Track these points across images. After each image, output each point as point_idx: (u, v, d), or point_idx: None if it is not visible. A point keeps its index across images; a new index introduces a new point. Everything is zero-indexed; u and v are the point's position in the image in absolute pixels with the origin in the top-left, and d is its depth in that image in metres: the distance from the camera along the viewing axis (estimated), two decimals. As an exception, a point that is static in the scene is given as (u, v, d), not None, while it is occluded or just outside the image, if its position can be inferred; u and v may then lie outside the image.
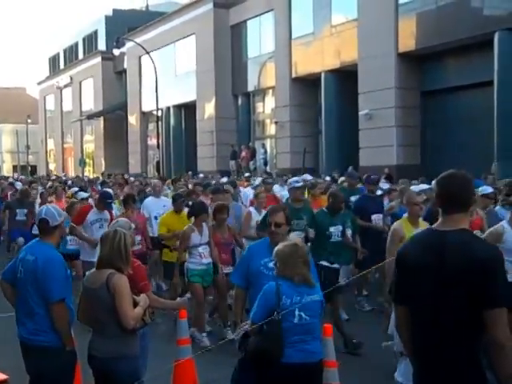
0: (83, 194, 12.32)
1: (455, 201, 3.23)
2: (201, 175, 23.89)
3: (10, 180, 25.22)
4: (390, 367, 6.82)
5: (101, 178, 30.33)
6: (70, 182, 20.94)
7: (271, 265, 5.11)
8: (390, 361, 7.10)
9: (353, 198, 10.62)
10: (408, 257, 3.31)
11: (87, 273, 4.85)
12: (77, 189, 14.65)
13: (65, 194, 14.73)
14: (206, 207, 8.70)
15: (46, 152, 60.44)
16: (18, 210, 13.65)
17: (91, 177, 35.06)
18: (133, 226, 5.85)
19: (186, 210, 9.72)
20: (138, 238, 9.38)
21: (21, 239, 12.61)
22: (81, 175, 36.39)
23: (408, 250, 3.37)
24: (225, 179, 18.62)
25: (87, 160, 49.23)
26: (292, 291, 4.37)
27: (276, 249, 4.60)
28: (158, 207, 11.16)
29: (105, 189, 13.52)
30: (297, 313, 4.34)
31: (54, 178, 29.99)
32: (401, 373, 4.17)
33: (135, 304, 4.55)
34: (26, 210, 13.51)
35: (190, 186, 14.90)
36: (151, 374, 5.24)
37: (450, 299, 3.09)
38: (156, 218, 10.80)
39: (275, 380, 4.37)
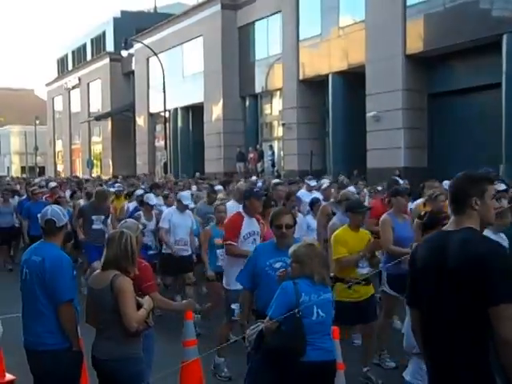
0: (153, 198, 10.92)
1: (455, 201, 3.29)
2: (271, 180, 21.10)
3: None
4: (395, 369, 6.83)
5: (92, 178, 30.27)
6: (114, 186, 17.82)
7: (277, 265, 5.14)
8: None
9: None
10: (417, 259, 3.35)
11: (93, 273, 4.84)
12: (141, 191, 12.74)
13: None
14: (444, 215, 5.93)
15: (54, 153, 60.66)
16: (93, 217, 10.95)
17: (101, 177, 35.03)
18: (141, 227, 5.82)
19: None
20: None
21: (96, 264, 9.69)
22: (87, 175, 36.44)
23: (417, 252, 3.39)
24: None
25: (95, 161, 49.36)
26: (310, 289, 4.45)
27: (293, 249, 4.64)
28: None
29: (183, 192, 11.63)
30: (315, 310, 4.40)
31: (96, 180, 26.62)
32: (409, 371, 4.19)
33: (139, 306, 4.55)
34: (103, 217, 10.96)
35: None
36: (158, 375, 5.25)
37: (454, 299, 3.09)
38: None
39: (295, 378, 4.40)
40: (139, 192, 12.72)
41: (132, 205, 12.66)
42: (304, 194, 11.90)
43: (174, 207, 10.32)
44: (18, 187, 20.05)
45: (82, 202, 13.61)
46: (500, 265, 3.02)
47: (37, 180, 26.13)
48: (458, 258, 3.08)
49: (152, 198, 10.93)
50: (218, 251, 8.23)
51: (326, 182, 12.21)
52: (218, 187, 13.62)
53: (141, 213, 10.67)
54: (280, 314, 4.37)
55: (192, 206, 10.50)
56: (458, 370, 3.11)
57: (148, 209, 10.72)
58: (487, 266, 3.00)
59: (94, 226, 10.98)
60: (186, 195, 10.40)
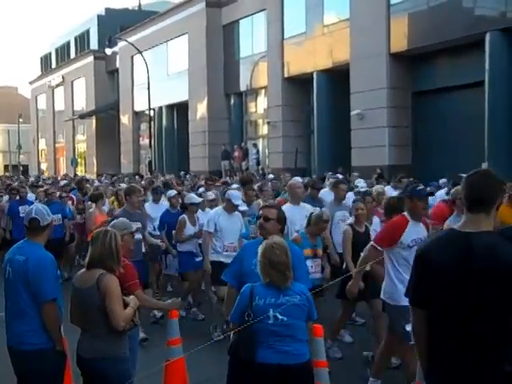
0: (195, 198, 9.89)
1: (477, 200, 3.12)
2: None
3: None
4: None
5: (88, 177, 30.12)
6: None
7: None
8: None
9: None
10: (431, 258, 3.17)
11: (77, 273, 4.82)
12: (175, 192, 11.04)
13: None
14: None
15: (38, 152, 60.26)
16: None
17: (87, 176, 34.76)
18: (135, 227, 5.75)
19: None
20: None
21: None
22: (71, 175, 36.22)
23: (431, 251, 3.21)
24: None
25: (79, 160, 49.13)
26: (266, 292, 4.32)
27: None
28: (300, 217, 8.27)
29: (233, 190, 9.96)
30: (271, 313, 4.26)
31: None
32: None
33: (125, 305, 4.55)
34: (140, 224, 8.24)
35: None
36: (142, 374, 5.24)
37: (476, 299, 3.00)
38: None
39: (254, 380, 4.33)
40: (172, 193, 10.83)
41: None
42: (326, 194, 10.60)
43: (220, 207, 9.12)
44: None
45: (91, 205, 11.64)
46: None
47: (32, 179, 25.88)
48: (485, 263, 2.98)
49: (197, 198, 9.99)
50: (308, 262, 6.79)
51: (363, 185, 10.78)
52: (234, 186, 12.81)
53: (185, 216, 9.63)
54: (237, 317, 4.39)
55: (244, 208, 9.03)
56: (467, 368, 3.03)
57: (192, 210, 9.69)
58: None
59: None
60: (236, 194, 9.06)
